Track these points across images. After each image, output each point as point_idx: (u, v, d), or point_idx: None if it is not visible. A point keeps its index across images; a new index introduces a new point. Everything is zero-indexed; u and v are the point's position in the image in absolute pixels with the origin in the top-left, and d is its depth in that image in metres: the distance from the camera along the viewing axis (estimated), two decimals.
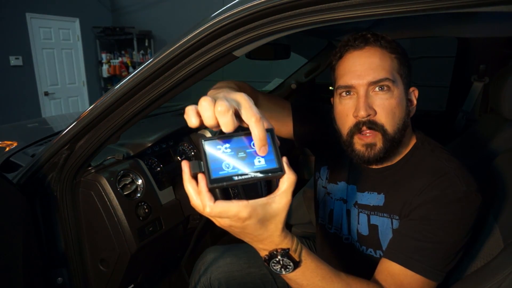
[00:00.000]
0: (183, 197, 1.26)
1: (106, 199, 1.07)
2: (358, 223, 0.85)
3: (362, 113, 0.73)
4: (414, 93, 0.82)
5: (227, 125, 0.44)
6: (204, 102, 0.45)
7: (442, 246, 0.69)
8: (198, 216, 1.28)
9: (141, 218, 1.11)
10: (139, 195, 1.14)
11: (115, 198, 1.07)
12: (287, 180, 0.48)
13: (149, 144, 1.28)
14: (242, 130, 0.48)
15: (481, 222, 0.81)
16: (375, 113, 0.74)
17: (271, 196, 0.48)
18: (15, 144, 1.38)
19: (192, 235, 1.39)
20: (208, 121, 0.45)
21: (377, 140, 0.75)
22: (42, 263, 1.04)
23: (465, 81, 1.85)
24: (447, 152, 0.79)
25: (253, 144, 0.46)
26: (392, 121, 0.75)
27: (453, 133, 1.64)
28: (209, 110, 0.45)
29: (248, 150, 0.46)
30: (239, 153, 0.46)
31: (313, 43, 2.11)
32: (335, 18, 0.57)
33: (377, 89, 0.74)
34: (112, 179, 1.08)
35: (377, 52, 0.75)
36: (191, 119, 0.46)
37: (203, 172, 0.45)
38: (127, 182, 1.14)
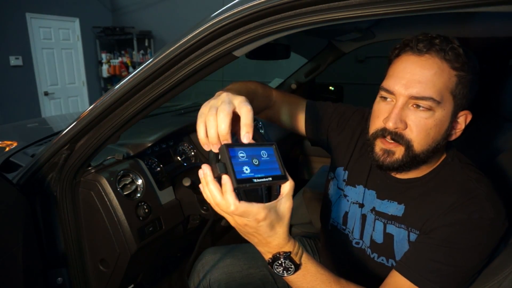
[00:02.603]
0: (183, 197, 1.26)
1: (106, 199, 1.07)
2: (373, 230, 0.83)
3: (390, 125, 0.69)
4: (466, 118, 0.74)
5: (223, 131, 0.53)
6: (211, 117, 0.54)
7: (458, 270, 0.67)
8: (198, 216, 1.28)
9: (141, 218, 1.11)
10: (139, 195, 1.14)
11: (115, 198, 1.07)
12: (289, 185, 0.56)
13: (149, 144, 1.28)
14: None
15: None
16: (405, 127, 0.70)
17: (278, 199, 0.56)
18: (15, 144, 1.38)
19: (192, 236, 1.39)
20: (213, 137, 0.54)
21: (398, 151, 0.72)
22: (42, 263, 1.04)
23: None
24: (478, 171, 0.75)
25: (264, 154, 0.55)
26: (423, 140, 0.70)
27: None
28: (213, 127, 0.53)
29: (260, 159, 0.54)
30: (253, 160, 0.53)
31: (313, 43, 2.11)
32: (335, 18, 0.57)
33: (416, 105, 0.69)
34: (112, 179, 1.08)
35: (436, 64, 0.67)
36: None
37: (227, 174, 0.51)
38: (127, 182, 1.14)
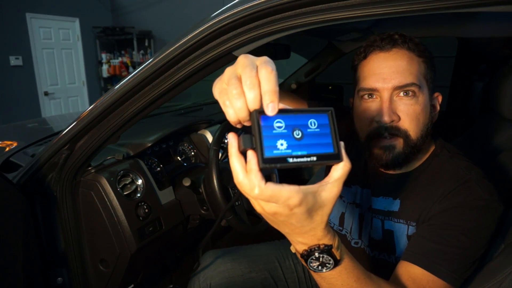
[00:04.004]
0: (183, 197, 1.26)
1: (106, 199, 1.07)
2: (371, 228, 0.83)
3: (386, 119, 0.71)
4: (438, 99, 0.79)
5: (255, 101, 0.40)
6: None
7: (462, 251, 0.68)
8: (198, 216, 1.28)
9: (141, 218, 1.11)
10: (139, 195, 1.14)
11: (115, 198, 1.07)
12: (342, 168, 0.43)
13: (149, 144, 1.28)
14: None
15: None
16: (399, 118, 0.72)
17: (322, 183, 0.44)
18: (15, 144, 1.38)
19: (192, 236, 1.39)
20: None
21: (398, 144, 0.73)
22: (42, 263, 1.04)
23: (465, 81, 1.85)
24: (467, 160, 0.77)
25: (312, 123, 0.42)
26: (416, 127, 0.73)
27: (453, 133, 1.65)
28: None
29: (304, 130, 0.41)
30: (295, 132, 0.41)
31: (313, 43, 2.11)
32: (335, 18, 0.57)
33: (402, 94, 0.72)
34: (112, 179, 1.08)
35: (405, 55, 0.73)
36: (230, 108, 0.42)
37: (254, 149, 0.40)
38: (127, 182, 1.14)
